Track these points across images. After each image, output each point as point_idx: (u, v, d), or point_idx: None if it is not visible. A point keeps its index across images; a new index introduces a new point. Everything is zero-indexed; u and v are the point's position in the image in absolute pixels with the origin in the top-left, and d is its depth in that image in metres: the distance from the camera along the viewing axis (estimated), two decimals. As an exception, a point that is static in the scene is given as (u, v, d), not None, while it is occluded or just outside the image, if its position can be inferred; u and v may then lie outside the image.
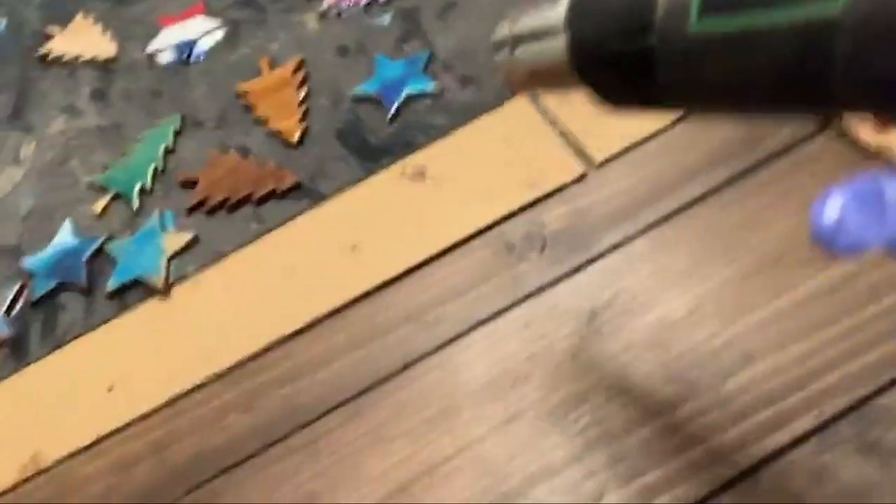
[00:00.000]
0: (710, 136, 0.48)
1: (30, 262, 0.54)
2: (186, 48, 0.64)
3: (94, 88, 0.64)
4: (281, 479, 0.42)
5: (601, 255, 0.45)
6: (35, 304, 0.52)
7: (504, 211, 0.48)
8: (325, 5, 0.63)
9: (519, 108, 0.52)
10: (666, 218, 0.46)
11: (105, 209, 0.56)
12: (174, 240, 0.52)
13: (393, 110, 0.55)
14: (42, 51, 0.68)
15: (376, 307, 0.47)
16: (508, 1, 0.36)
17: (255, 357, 0.46)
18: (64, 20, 0.71)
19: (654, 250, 0.45)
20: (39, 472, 0.45)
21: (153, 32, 0.67)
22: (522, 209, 0.48)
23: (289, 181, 0.53)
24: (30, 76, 0.67)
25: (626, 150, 0.49)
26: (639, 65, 0.24)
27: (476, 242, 0.48)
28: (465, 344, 0.44)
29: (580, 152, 0.49)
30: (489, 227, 0.48)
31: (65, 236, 0.55)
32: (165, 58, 0.64)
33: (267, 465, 0.42)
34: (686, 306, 0.42)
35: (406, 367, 0.44)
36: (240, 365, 0.46)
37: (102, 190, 0.57)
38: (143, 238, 0.53)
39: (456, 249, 0.48)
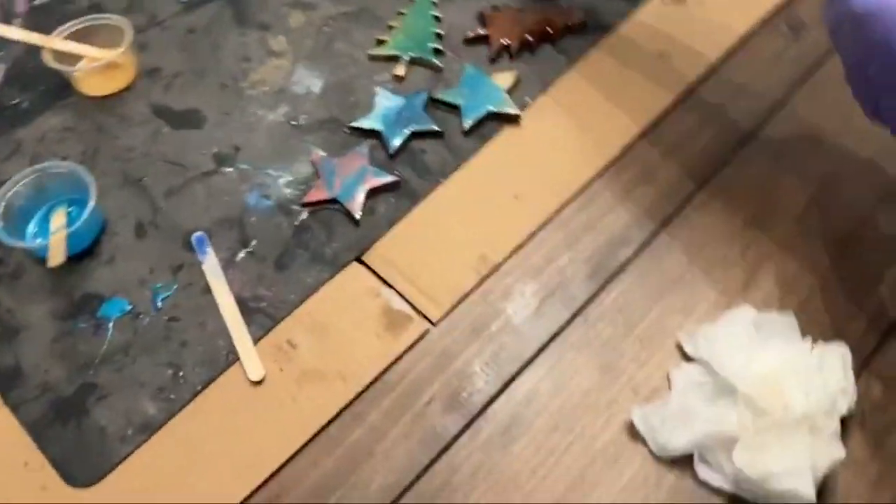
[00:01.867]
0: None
1: (365, 122, 0.58)
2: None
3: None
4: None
5: None
6: (393, 156, 0.56)
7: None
8: None
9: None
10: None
11: (406, 73, 0.61)
12: (502, 79, 0.59)
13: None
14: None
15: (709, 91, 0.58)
16: None
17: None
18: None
19: None
20: (493, 270, 0.51)
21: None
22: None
23: (577, 17, 0.62)
24: (229, -16, 0.68)
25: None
26: None
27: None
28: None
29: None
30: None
31: (384, 99, 0.59)
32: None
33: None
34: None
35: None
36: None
37: (391, 59, 0.62)
38: (471, 82, 0.59)
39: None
